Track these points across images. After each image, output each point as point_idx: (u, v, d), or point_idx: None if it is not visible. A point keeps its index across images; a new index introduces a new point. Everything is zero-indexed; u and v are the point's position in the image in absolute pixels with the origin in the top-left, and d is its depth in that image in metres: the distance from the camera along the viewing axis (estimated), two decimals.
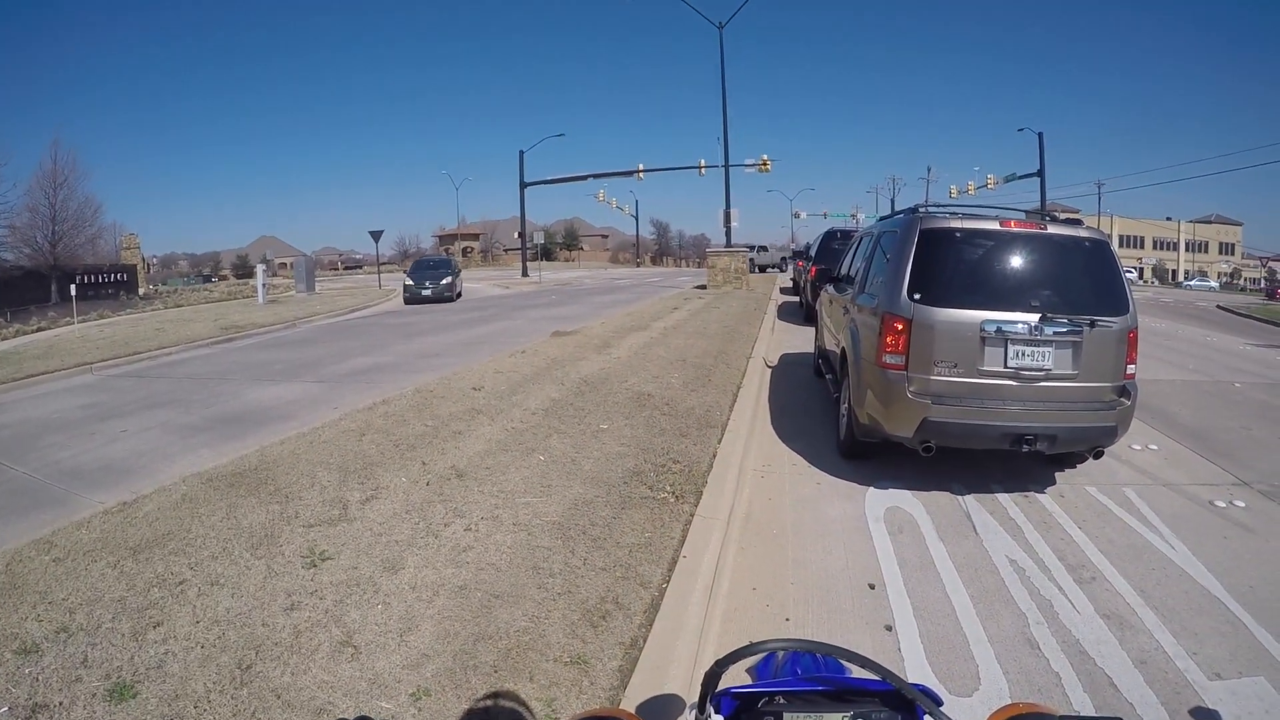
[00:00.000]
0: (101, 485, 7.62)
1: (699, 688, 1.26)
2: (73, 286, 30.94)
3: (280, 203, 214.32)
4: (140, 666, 3.96)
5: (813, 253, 23.64)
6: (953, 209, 7.22)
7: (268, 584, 4.72)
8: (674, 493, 6.26)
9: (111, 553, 5.41)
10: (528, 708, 3.49)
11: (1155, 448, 8.52)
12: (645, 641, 4.05)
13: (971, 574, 5.40)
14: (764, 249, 62.66)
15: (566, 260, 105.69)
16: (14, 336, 26.46)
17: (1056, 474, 7.45)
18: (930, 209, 7.19)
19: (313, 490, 6.35)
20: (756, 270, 49.82)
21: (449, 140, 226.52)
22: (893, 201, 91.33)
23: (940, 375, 6.51)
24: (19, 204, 44.21)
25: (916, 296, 6.57)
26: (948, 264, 6.73)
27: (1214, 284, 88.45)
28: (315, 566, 4.90)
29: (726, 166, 38.55)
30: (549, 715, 3.44)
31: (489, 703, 3.53)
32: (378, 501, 6.03)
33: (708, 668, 1.25)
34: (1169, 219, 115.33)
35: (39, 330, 28.38)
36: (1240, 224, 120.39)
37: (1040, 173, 53.44)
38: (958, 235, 6.74)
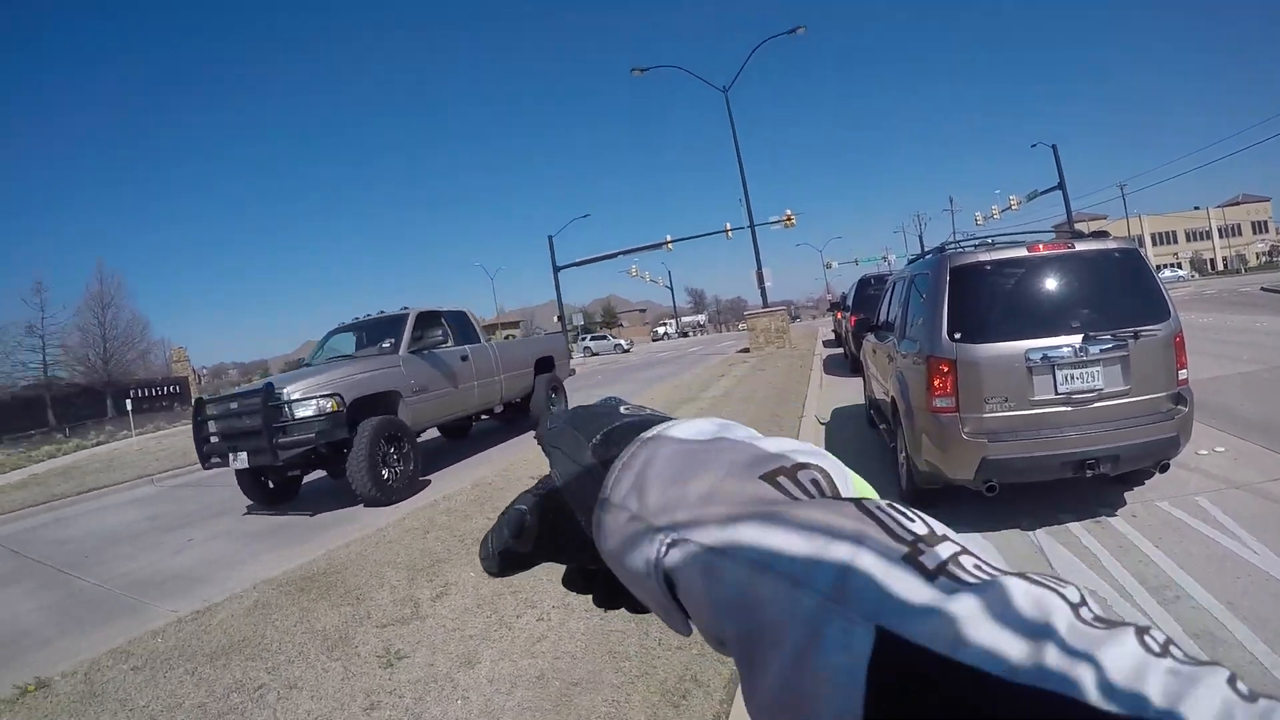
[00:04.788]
0: (172, 594, 7.93)
1: None
2: (128, 401, 33.19)
3: (322, 306, 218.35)
4: None
5: (849, 302, 23.68)
6: (980, 240, 7.36)
7: (345, 685, 4.92)
8: None
9: (189, 660, 5.69)
10: None
11: (1222, 449, 8.38)
12: (728, 717, 4.15)
13: None
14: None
15: (613, 338, 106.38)
16: (74, 451, 28.40)
17: (1126, 494, 7.36)
18: (957, 245, 7.32)
19: (383, 590, 6.57)
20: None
21: (482, 232, 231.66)
22: (920, 238, 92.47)
23: (993, 411, 6.56)
24: (69, 324, 48.51)
25: (957, 336, 6.67)
26: (983, 298, 6.82)
27: (1184, 273, 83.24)
28: (392, 665, 5.08)
29: (752, 226, 39.37)
30: None
31: None
32: (448, 597, 6.21)
33: None
34: (1197, 208, 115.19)
35: (98, 444, 30.59)
36: (1268, 199, 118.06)
37: (1061, 185, 52.95)
38: (988, 268, 6.84)
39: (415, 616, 5.89)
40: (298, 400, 10.58)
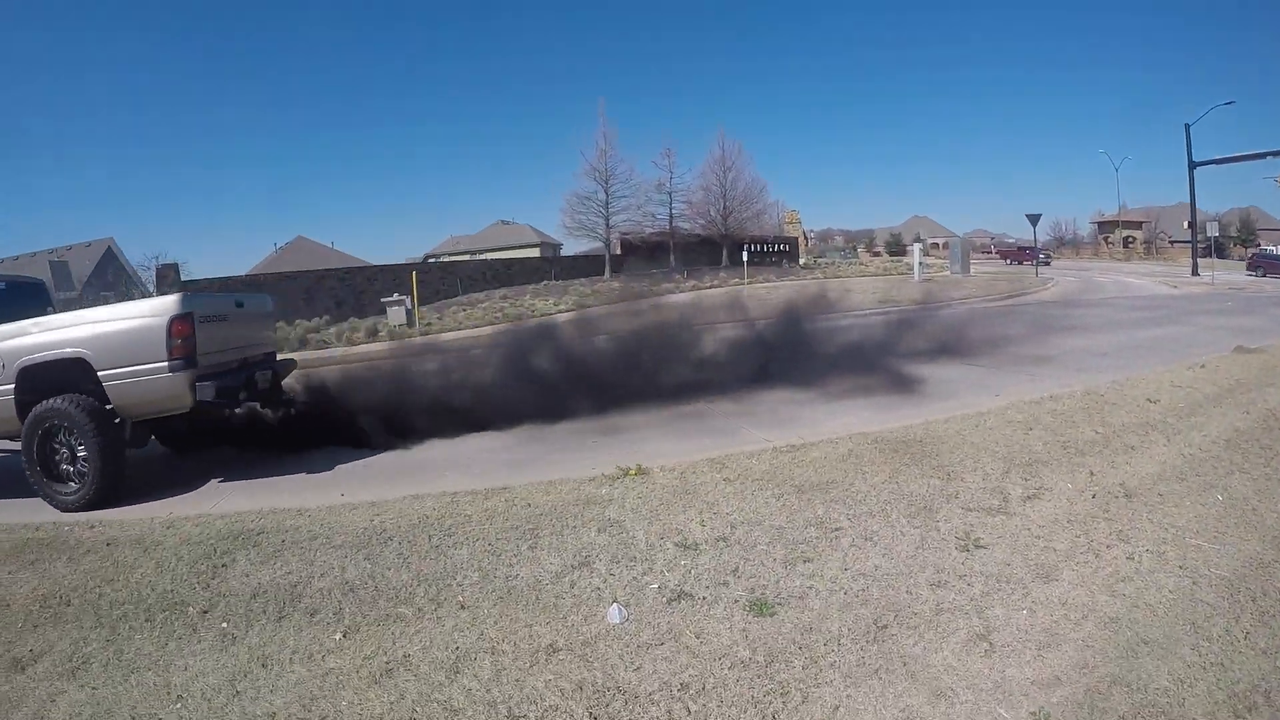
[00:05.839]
0: (765, 425, 8.49)
1: None
2: (744, 253, 43.13)
3: (933, 183, 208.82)
4: (784, 591, 4.46)
5: None
6: None
7: (918, 555, 4.96)
8: None
9: (777, 486, 6.16)
10: None
11: None
12: None
13: None
14: None
15: (1240, 258, 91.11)
16: (690, 290, 35.87)
17: None
18: None
19: (975, 474, 6.47)
20: None
21: (1107, 115, 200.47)
22: None
23: None
24: (694, 184, 57.65)
25: None
26: None
27: None
28: (968, 551, 5.01)
29: None
30: None
31: None
32: (1039, 502, 5.94)
33: None
34: None
35: (711, 287, 38.22)
36: None
37: None
38: None
39: (1002, 510, 5.73)
40: None
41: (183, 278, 35.72)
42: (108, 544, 6.52)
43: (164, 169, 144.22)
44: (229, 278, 38.82)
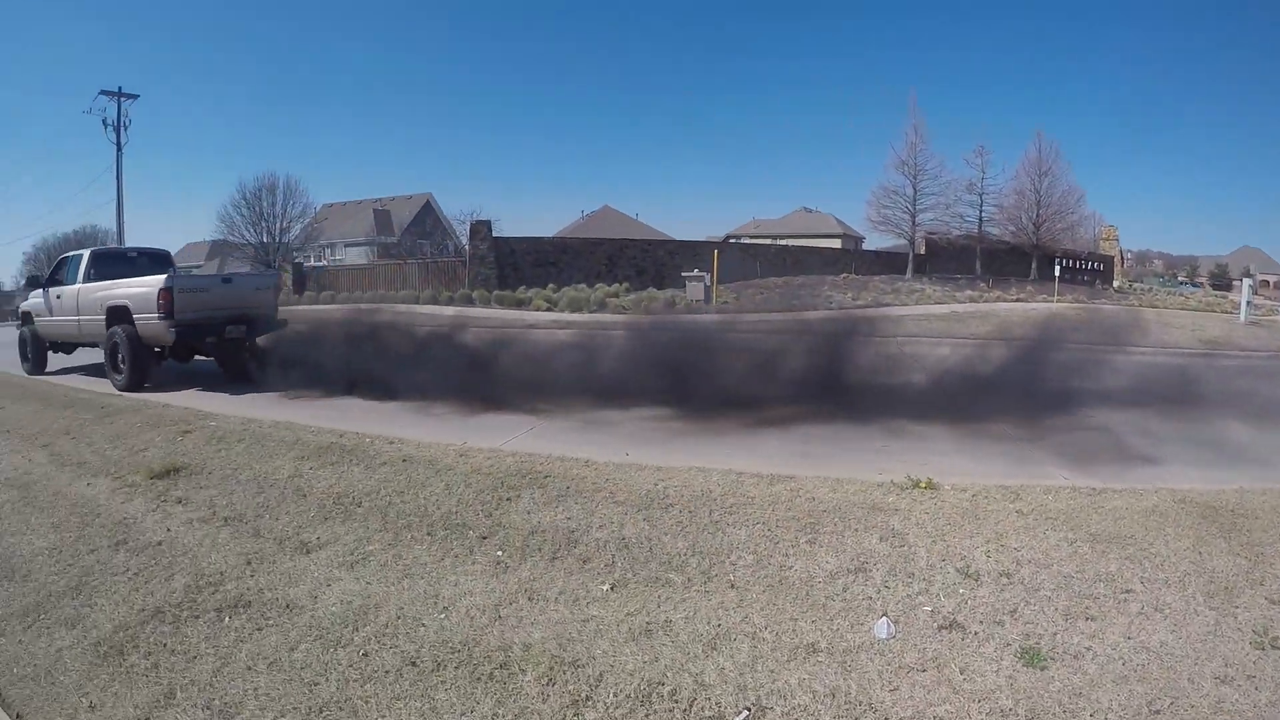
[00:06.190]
0: (1067, 460, 8.12)
1: None
2: (1056, 267, 40.25)
3: (1269, 209, 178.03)
4: (1059, 646, 4.31)
5: None
6: None
7: (1209, 641, 4.53)
8: None
9: (1071, 530, 5.80)
10: None
11: None
12: None
13: None
14: None
15: None
16: (994, 301, 34.32)
17: None
18: None
19: None
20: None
21: None
22: None
23: None
24: (1006, 187, 54.23)
25: None
26: None
27: None
28: (1263, 649, 4.51)
29: None
30: None
31: None
32: None
33: None
34: None
35: (1017, 300, 35.82)
36: None
37: None
38: None
39: None
40: None
41: (494, 234, 38.73)
42: (404, 460, 7.31)
43: (486, 132, 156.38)
44: (538, 238, 42.18)
